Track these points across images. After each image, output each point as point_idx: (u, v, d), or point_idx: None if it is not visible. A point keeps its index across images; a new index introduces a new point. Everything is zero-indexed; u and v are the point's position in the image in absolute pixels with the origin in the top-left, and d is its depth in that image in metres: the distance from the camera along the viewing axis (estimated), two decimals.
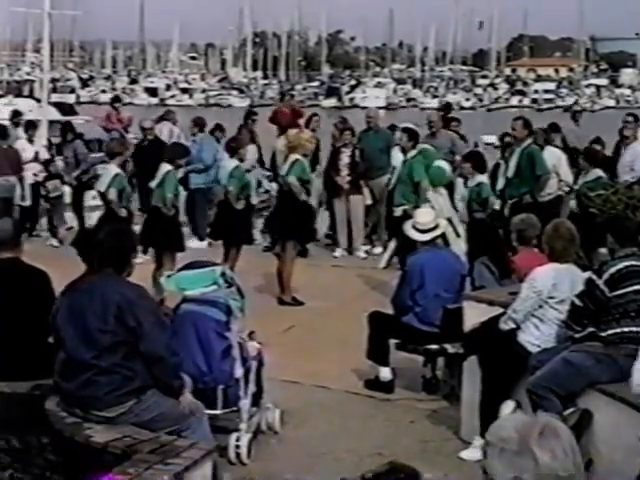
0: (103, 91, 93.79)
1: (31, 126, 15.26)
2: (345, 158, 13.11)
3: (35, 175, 14.39)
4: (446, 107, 18.14)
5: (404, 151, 11.55)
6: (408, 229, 8.48)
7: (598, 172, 11.13)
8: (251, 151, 14.30)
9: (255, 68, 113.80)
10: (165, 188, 10.49)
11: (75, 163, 14.45)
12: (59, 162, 14.68)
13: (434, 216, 8.45)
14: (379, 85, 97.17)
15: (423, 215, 8.48)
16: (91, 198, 13.93)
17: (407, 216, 10.47)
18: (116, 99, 20.34)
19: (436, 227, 8.28)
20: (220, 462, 5.81)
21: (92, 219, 13.23)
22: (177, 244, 10.51)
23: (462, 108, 79.63)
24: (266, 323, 9.00)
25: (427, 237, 8.21)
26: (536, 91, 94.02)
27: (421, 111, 56.80)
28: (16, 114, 15.88)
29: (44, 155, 14.74)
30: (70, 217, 14.51)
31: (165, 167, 10.67)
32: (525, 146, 11.42)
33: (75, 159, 14.44)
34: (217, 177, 12.31)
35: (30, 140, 14.91)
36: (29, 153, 14.39)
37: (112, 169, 10.96)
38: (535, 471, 2.54)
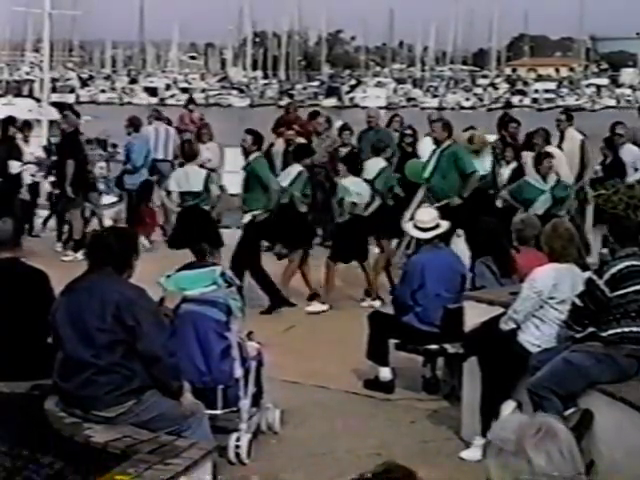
0: (102, 91, 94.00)
1: (27, 126, 15.17)
2: None
3: (32, 175, 14.31)
4: (507, 106, 17.95)
5: (437, 142, 11.44)
6: (409, 228, 8.50)
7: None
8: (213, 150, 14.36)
9: (255, 68, 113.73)
10: (294, 187, 10.82)
11: None
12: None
13: (435, 215, 8.47)
14: (379, 85, 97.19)
15: (424, 214, 8.49)
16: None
17: (257, 222, 10.62)
18: (190, 101, 20.04)
19: (437, 226, 8.29)
20: (220, 462, 5.81)
21: (106, 217, 13.33)
22: (306, 241, 11.02)
23: (462, 108, 79.72)
24: (266, 323, 9.02)
25: (428, 235, 8.23)
26: (536, 91, 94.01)
27: (421, 111, 56.84)
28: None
29: (42, 155, 14.68)
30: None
31: (296, 167, 10.99)
32: (444, 147, 11.24)
33: None
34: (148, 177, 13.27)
35: (26, 140, 14.82)
36: (25, 154, 14.29)
37: (201, 171, 11.31)
38: (530, 473, 2.52)
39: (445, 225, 8.45)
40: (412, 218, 8.79)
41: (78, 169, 13.07)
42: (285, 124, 14.61)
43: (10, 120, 14.10)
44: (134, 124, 14.63)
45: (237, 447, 6.47)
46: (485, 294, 7.29)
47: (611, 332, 5.98)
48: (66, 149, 13.33)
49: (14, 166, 13.24)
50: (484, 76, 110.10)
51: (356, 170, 10.96)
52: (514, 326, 6.49)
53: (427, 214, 8.50)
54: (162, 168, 14.60)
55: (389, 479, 2.82)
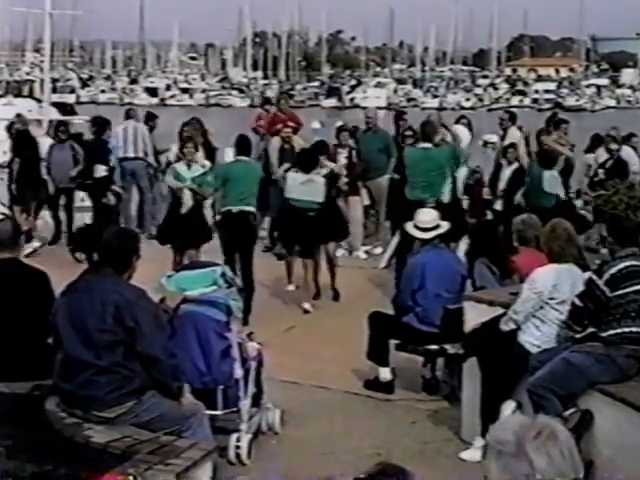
0: (103, 91, 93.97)
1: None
2: (342, 159, 13.08)
3: None
4: (556, 106, 17.93)
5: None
6: (409, 228, 8.50)
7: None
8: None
9: (255, 68, 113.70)
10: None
11: (74, 163, 14.33)
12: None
13: (435, 215, 8.47)
14: (379, 85, 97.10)
15: (424, 214, 8.49)
16: (80, 200, 13.91)
17: None
18: (267, 101, 19.84)
19: (437, 227, 8.29)
20: (220, 462, 5.81)
21: (82, 220, 13.19)
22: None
23: (462, 108, 79.69)
24: (266, 323, 9.02)
25: (429, 235, 8.23)
26: (537, 91, 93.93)
27: (422, 111, 56.82)
28: (152, 116, 15.79)
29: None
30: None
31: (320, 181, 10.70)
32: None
33: (73, 158, 14.33)
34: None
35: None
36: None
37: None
38: (531, 475, 2.52)
39: (445, 225, 8.46)
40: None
41: (28, 167, 13.22)
42: (280, 122, 14.59)
43: (105, 122, 13.98)
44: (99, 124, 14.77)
45: (237, 447, 6.47)
46: (485, 294, 7.29)
47: (611, 332, 5.98)
48: (17, 148, 13.55)
49: (99, 170, 13.20)
50: (484, 76, 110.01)
51: (307, 166, 10.64)
52: (514, 327, 6.49)
53: (427, 214, 8.50)
54: (133, 166, 14.58)
55: (385, 479, 2.82)
